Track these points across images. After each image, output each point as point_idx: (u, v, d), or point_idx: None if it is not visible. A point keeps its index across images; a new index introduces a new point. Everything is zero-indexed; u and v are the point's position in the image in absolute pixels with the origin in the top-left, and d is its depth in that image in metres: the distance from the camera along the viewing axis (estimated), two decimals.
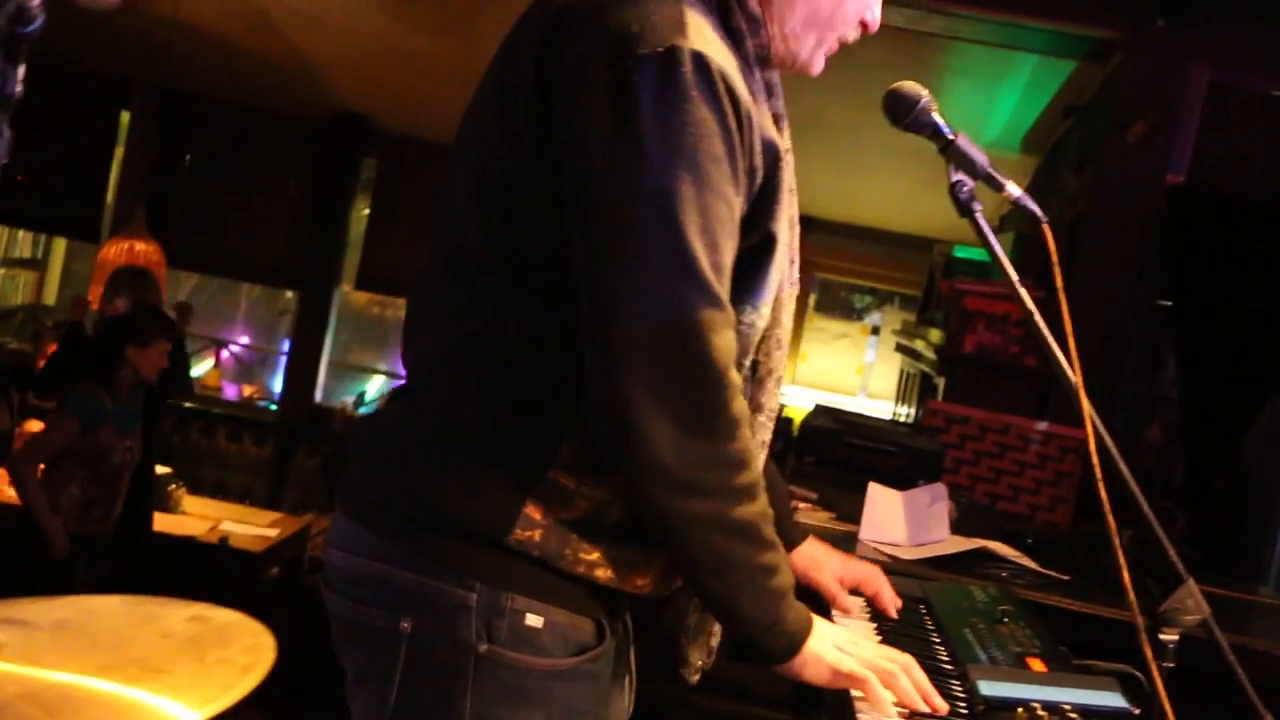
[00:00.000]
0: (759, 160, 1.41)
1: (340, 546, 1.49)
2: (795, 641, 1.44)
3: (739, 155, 1.37)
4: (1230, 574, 4.00)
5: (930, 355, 5.13)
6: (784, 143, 1.51)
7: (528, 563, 1.40)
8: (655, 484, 1.35)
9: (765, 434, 1.55)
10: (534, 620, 1.41)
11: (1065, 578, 2.57)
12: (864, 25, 1.57)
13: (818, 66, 1.57)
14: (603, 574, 1.45)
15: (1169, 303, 4.58)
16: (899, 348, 6.48)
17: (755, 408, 1.53)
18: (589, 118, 1.34)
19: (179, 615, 1.19)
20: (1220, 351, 4.39)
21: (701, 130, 1.32)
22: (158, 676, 1.05)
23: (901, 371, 6.67)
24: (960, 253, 5.25)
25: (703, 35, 1.35)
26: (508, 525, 1.39)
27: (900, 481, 2.85)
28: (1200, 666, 1.75)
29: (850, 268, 7.98)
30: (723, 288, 1.35)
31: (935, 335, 5.09)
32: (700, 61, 1.33)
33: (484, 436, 1.42)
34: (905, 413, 6.18)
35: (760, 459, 1.47)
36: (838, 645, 1.48)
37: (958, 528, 2.75)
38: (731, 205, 1.36)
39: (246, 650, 1.11)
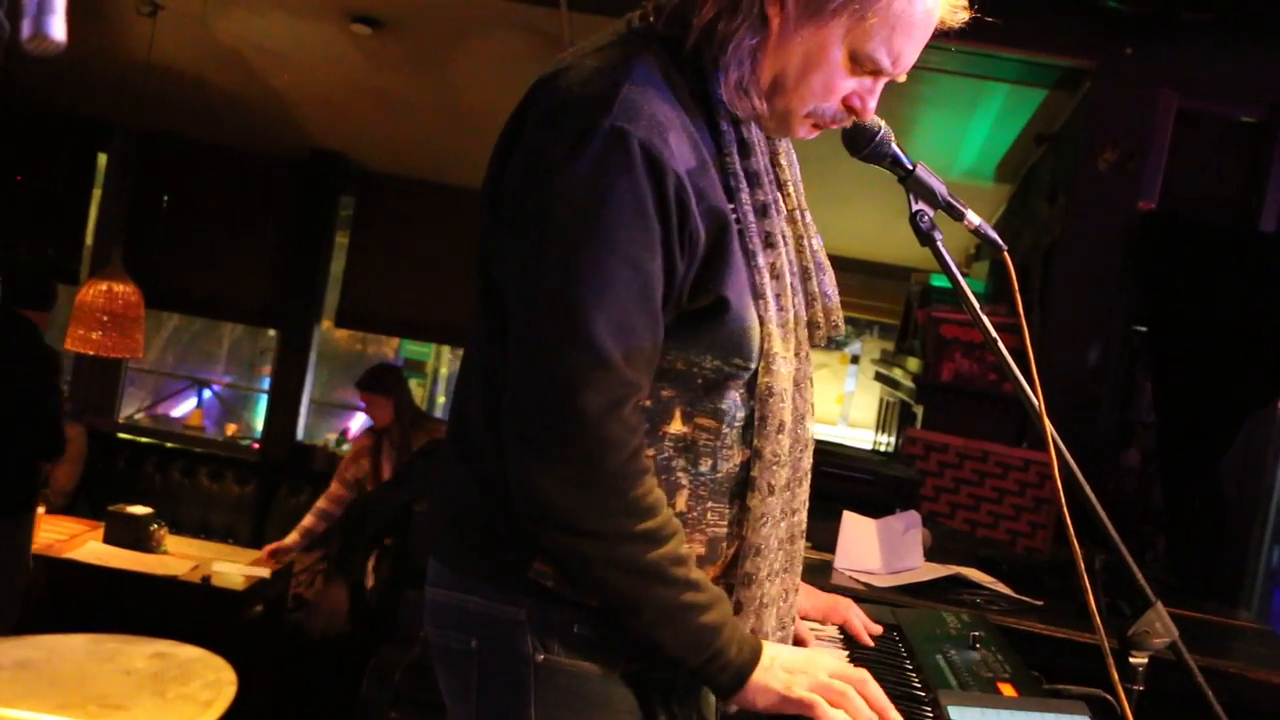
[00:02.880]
0: (698, 225, 1.45)
1: (429, 583, 1.63)
2: (742, 673, 1.49)
3: (654, 222, 1.41)
4: (1210, 597, 4.02)
5: (908, 384, 5.14)
6: (765, 198, 1.56)
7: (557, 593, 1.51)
8: (549, 528, 1.44)
9: (774, 478, 1.57)
10: (583, 630, 1.52)
11: (1039, 603, 2.58)
12: (851, 109, 1.56)
13: (797, 134, 1.60)
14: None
15: (1143, 328, 4.61)
16: (878, 376, 6.49)
17: (756, 454, 1.56)
18: (513, 189, 1.46)
19: (141, 652, 1.19)
20: (1195, 376, 4.41)
21: (610, 200, 1.39)
22: (117, 713, 1.05)
23: (881, 400, 6.69)
24: (937, 281, 5.26)
25: (630, 107, 1.42)
26: (522, 568, 1.50)
27: (878, 509, 2.85)
28: (1173, 689, 1.76)
29: None
30: (620, 348, 1.41)
31: (913, 364, 5.11)
32: (619, 136, 1.39)
33: (499, 489, 1.51)
34: (885, 441, 6.18)
35: (662, 504, 1.49)
36: (787, 669, 1.51)
37: (932, 554, 2.76)
38: (643, 268, 1.41)
39: (208, 686, 1.11)
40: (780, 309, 1.55)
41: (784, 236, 1.59)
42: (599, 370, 1.40)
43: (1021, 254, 5.32)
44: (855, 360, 9.03)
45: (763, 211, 1.55)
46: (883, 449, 6.10)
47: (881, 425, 6.54)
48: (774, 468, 1.56)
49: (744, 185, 1.53)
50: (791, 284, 1.58)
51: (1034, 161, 5.68)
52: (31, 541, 4.89)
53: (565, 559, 1.46)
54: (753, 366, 1.52)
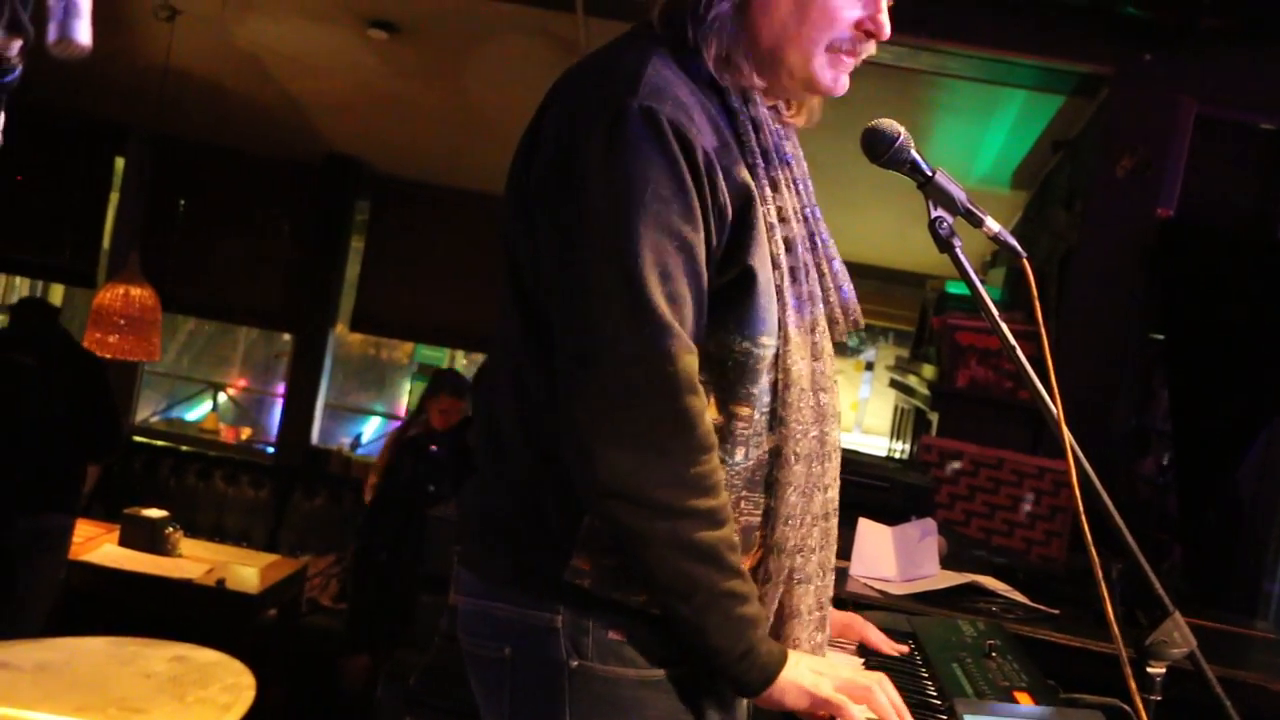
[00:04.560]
0: (726, 200, 1.49)
1: (459, 591, 1.63)
2: (771, 671, 1.50)
3: (693, 195, 1.44)
4: (1226, 607, 4.00)
5: (924, 390, 5.13)
6: (775, 174, 1.58)
7: (592, 594, 1.50)
8: (614, 503, 1.43)
9: (798, 445, 1.58)
10: (616, 635, 1.52)
11: (1055, 611, 2.57)
12: (867, 31, 1.58)
13: (826, 79, 1.60)
14: (656, 611, 1.51)
15: (1161, 336, 4.59)
16: (893, 383, 6.48)
17: (780, 422, 1.56)
18: (545, 177, 1.48)
19: (161, 655, 1.19)
20: (1213, 384, 4.39)
21: (648, 175, 1.42)
22: (136, 716, 1.05)
23: (895, 407, 6.67)
24: (952, 288, 5.26)
25: (655, 89, 1.45)
26: (557, 569, 1.50)
27: (892, 516, 2.85)
28: (1190, 699, 1.75)
29: None
30: (678, 318, 1.43)
31: (928, 370, 5.10)
32: (648, 114, 1.43)
33: (533, 486, 1.53)
34: (900, 448, 6.17)
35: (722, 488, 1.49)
36: (813, 669, 1.53)
37: (948, 562, 2.75)
38: (687, 240, 1.44)
39: (227, 690, 1.11)
40: (794, 282, 1.57)
41: (794, 213, 1.60)
42: (673, 341, 1.42)
43: (1038, 261, 5.30)
44: (870, 367, 9.02)
45: (774, 186, 1.57)
46: (897, 456, 6.09)
47: (896, 432, 6.52)
48: (798, 436, 1.57)
49: (760, 161, 1.55)
50: (804, 260, 1.59)
51: (1051, 168, 5.67)
52: (70, 544, 4.94)
53: (626, 534, 1.44)
54: (776, 344, 1.54)
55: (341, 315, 8.06)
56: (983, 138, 5.78)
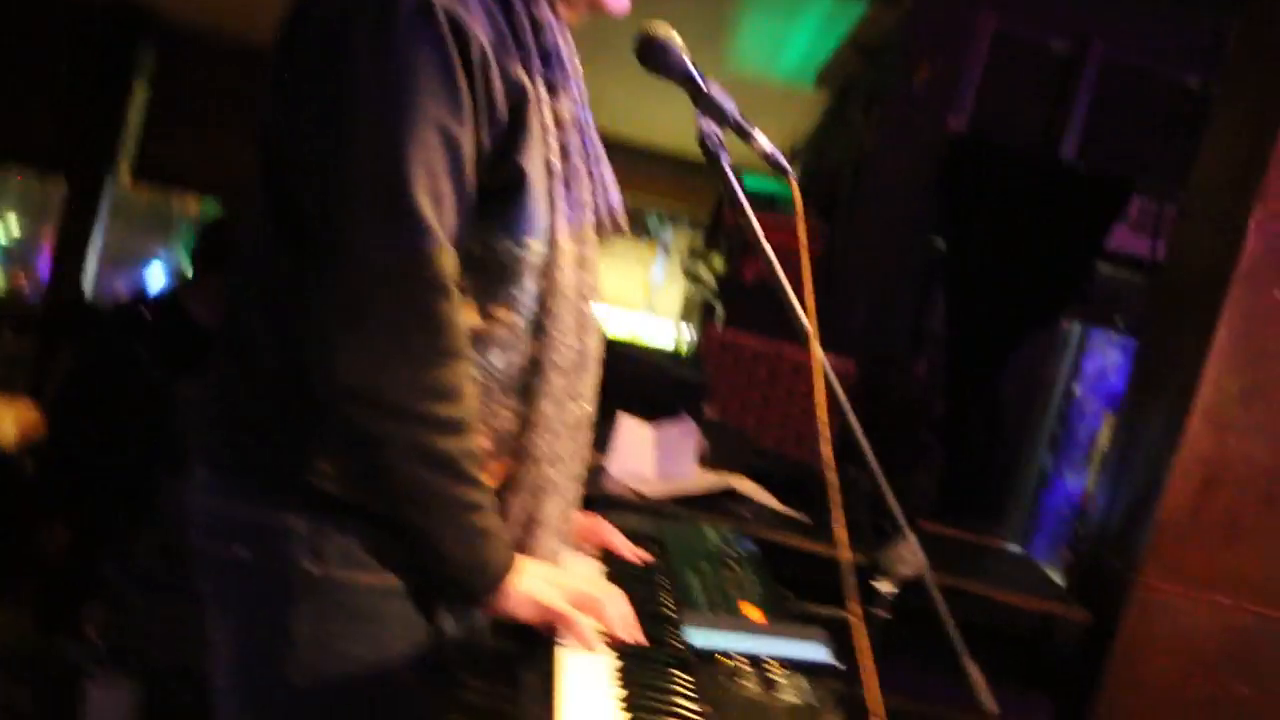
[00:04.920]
0: (500, 98, 1.43)
1: (194, 486, 1.55)
2: (501, 581, 1.48)
3: (464, 90, 1.39)
4: (981, 515, 4.16)
5: (712, 282, 5.16)
6: (554, 76, 1.53)
7: (335, 499, 1.45)
8: (350, 403, 1.38)
9: (557, 354, 1.55)
10: (355, 540, 1.46)
11: (804, 518, 2.60)
12: None
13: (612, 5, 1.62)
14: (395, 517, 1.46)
15: (943, 243, 4.69)
16: (684, 271, 6.52)
17: (540, 329, 1.53)
18: (310, 62, 1.41)
19: None
20: (986, 293, 4.52)
21: (418, 66, 1.36)
22: None
23: (686, 293, 6.72)
24: (748, 181, 5.26)
25: None
26: (301, 470, 1.44)
27: (661, 411, 2.84)
28: (924, 609, 1.79)
29: (641, 187, 7.82)
30: (438, 217, 1.38)
31: (718, 262, 5.13)
32: (422, 3, 1.36)
33: (278, 381, 1.46)
34: (687, 334, 6.23)
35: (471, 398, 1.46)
36: (545, 580, 1.52)
37: (711, 461, 2.77)
38: (454, 137, 1.38)
39: None
40: (566, 187, 1.53)
41: (570, 118, 1.56)
42: (429, 240, 1.37)
43: (834, 161, 5.35)
44: (664, 250, 9.02)
45: (551, 89, 1.53)
46: (685, 343, 6.14)
47: (685, 317, 6.58)
48: (559, 345, 1.54)
49: (537, 62, 1.50)
50: (577, 166, 1.56)
51: (853, 71, 5.70)
52: None
53: (361, 436, 1.40)
54: (544, 250, 1.50)
55: (124, 163, 7.70)
56: (788, 36, 5.76)
